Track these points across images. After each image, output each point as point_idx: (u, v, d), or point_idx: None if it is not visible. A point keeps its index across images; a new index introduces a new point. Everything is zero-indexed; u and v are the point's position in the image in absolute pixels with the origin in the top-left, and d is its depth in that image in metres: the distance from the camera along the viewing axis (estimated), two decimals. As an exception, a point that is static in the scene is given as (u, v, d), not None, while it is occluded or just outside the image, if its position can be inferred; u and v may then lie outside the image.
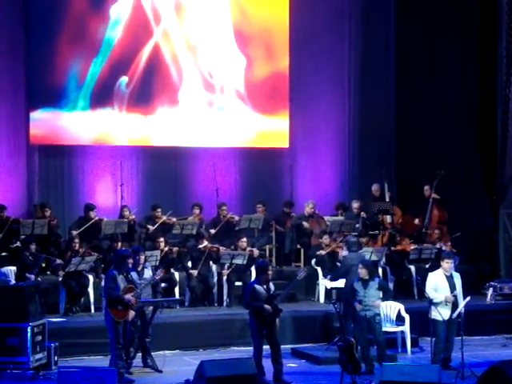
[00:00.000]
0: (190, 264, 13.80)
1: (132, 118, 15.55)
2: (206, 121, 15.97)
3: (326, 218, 15.37)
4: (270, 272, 10.76)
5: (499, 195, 15.23)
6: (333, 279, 12.84)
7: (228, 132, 16.10)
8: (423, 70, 16.26)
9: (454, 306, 11.06)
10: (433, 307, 11.00)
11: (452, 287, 11.12)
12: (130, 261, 10.63)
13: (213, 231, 14.44)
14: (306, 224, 15.02)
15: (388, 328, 12.31)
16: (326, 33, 16.39)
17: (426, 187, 15.42)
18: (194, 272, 13.35)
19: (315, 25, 16.27)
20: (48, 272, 13.39)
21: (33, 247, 13.03)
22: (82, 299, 13.03)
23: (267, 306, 10.48)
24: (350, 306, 11.37)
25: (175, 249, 13.70)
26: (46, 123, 15.07)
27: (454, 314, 10.98)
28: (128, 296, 10.35)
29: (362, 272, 11.18)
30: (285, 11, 16.23)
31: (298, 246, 15.02)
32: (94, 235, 13.93)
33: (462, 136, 16.36)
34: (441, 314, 11.00)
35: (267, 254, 14.95)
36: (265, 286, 10.68)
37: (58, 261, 13.11)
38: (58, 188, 15.25)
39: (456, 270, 11.70)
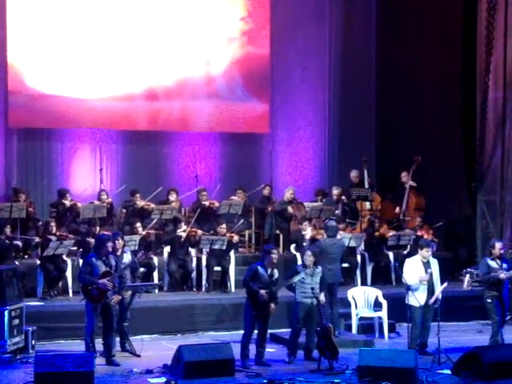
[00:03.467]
0: (168, 249, 13.79)
1: (112, 102, 15.47)
2: (186, 105, 15.91)
3: (306, 203, 15.40)
4: (274, 255, 10.65)
5: (478, 182, 15.30)
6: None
7: (208, 117, 16.06)
8: (405, 57, 16.28)
9: (431, 291, 11.13)
10: (410, 293, 11.07)
11: (427, 269, 11.17)
12: (110, 245, 10.58)
13: (206, 203, 14.34)
14: (290, 209, 15.03)
15: (366, 313, 12.39)
16: (308, 17, 16.36)
17: (404, 173, 15.49)
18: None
19: (296, 10, 16.24)
20: (26, 256, 13.34)
21: (8, 230, 12.94)
22: (60, 283, 12.99)
23: (262, 292, 10.48)
24: (327, 291, 11.34)
25: (152, 232, 13.69)
26: (25, 106, 14.96)
27: (431, 300, 11.05)
28: (102, 280, 10.32)
29: (310, 260, 10.99)
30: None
31: (277, 232, 15.04)
32: (72, 219, 13.88)
33: (443, 123, 16.41)
34: (417, 299, 11.08)
35: (246, 239, 14.97)
36: (269, 271, 10.66)
37: (36, 239, 13.06)
38: (36, 171, 15.18)
39: (433, 257, 11.77)
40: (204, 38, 16.02)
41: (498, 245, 11.65)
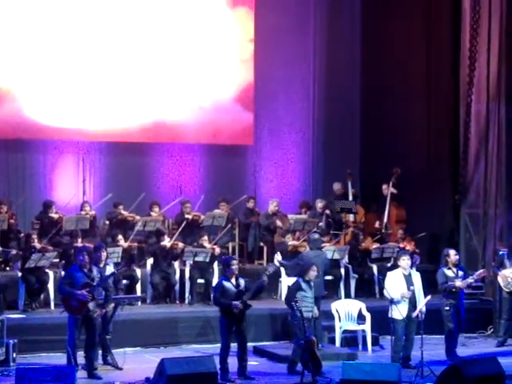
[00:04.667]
0: (151, 261, 13.73)
1: (94, 113, 15.42)
2: (169, 116, 15.88)
3: (290, 216, 15.39)
4: (234, 267, 10.72)
5: (461, 195, 15.35)
6: (283, 264, 12.78)
7: (192, 128, 16.03)
8: (390, 68, 16.33)
9: (413, 304, 11.14)
10: (393, 306, 11.07)
11: (410, 285, 11.19)
12: (87, 257, 10.50)
13: (189, 216, 14.35)
14: (278, 222, 14.99)
15: (349, 326, 12.37)
16: (292, 28, 16.38)
17: (384, 186, 15.53)
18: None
19: (280, 20, 16.26)
20: (7, 268, 13.23)
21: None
22: (42, 295, 12.90)
23: (236, 302, 10.47)
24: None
25: (135, 244, 13.63)
26: (6, 116, 14.88)
27: (414, 313, 11.05)
28: (81, 291, 10.25)
29: (313, 274, 11.06)
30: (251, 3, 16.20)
31: (261, 244, 15.02)
32: (54, 231, 13.79)
33: (427, 136, 16.47)
34: (401, 312, 11.08)
35: (230, 252, 14.93)
36: (234, 282, 10.65)
37: (13, 251, 12.96)
38: (18, 183, 15.07)
39: (417, 270, 11.78)
40: (189, 50, 16.00)
41: (453, 252, 11.82)
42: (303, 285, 11.03)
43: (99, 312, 10.45)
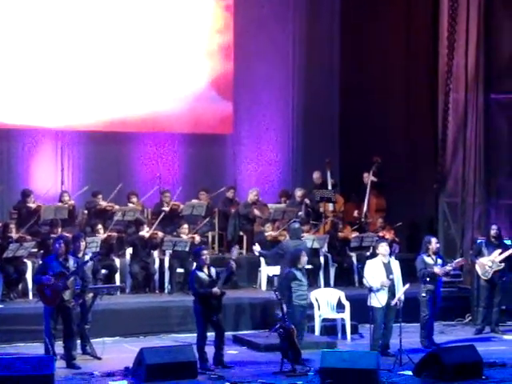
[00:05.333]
0: (130, 251, 13.68)
1: (73, 102, 15.32)
2: (148, 106, 15.80)
3: (270, 205, 15.39)
4: (204, 257, 10.73)
5: (440, 184, 15.41)
6: (262, 254, 12.80)
7: (171, 117, 15.96)
8: (369, 58, 16.38)
9: (392, 292, 11.19)
10: (372, 294, 11.11)
11: (389, 274, 11.25)
12: (63, 246, 10.45)
13: (166, 209, 14.28)
14: (256, 212, 15.00)
15: (328, 315, 12.40)
16: (271, 19, 16.35)
17: (366, 174, 15.60)
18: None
19: (259, 12, 16.23)
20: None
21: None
22: (20, 285, 12.83)
23: (215, 289, 10.50)
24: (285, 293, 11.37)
25: (114, 234, 13.58)
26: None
27: (393, 302, 11.11)
28: (46, 276, 10.19)
29: (304, 260, 11.16)
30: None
31: (241, 233, 15.01)
32: (33, 221, 13.70)
33: (406, 125, 16.53)
34: (379, 300, 11.13)
35: (210, 241, 14.92)
36: (206, 272, 10.66)
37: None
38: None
39: (396, 258, 11.84)
40: (167, 40, 15.91)
41: (434, 240, 11.94)
42: (297, 274, 11.12)
43: (75, 302, 10.40)
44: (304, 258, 11.21)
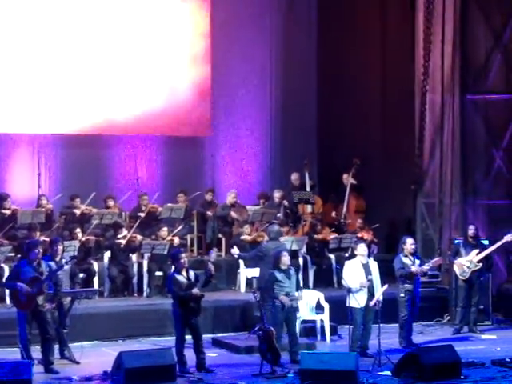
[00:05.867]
0: (109, 254, 13.63)
1: (50, 106, 15.24)
2: (125, 109, 15.75)
3: (248, 207, 15.39)
4: (182, 260, 10.70)
5: (417, 185, 15.48)
6: (241, 256, 12.80)
7: (149, 120, 15.93)
8: (346, 59, 16.42)
9: (371, 293, 11.23)
10: (350, 295, 11.14)
11: (368, 274, 11.29)
12: (39, 251, 10.39)
13: (142, 214, 14.25)
14: (233, 214, 15.00)
15: (307, 316, 12.42)
16: (249, 22, 16.37)
17: (345, 176, 15.65)
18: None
19: (237, 14, 16.24)
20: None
21: None
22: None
23: (195, 290, 10.48)
24: (268, 295, 11.39)
25: (92, 238, 13.52)
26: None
27: (372, 302, 11.14)
28: (20, 283, 10.11)
29: (286, 260, 11.16)
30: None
31: (220, 236, 15.00)
32: (11, 225, 13.62)
33: (383, 126, 16.60)
34: (358, 301, 11.15)
35: (188, 244, 14.90)
36: (185, 275, 10.64)
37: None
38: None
39: (374, 259, 11.87)
40: (145, 43, 15.87)
41: (410, 241, 11.96)
42: (278, 275, 11.06)
43: (49, 306, 10.34)
44: (284, 258, 11.18)
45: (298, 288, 11.25)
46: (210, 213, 15.02)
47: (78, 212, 14.13)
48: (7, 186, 14.89)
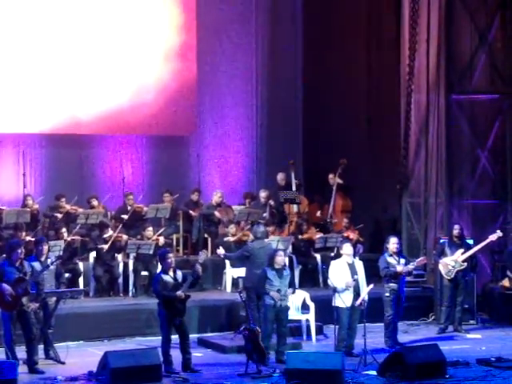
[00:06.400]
0: (94, 254, 13.60)
1: (35, 106, 15.17)
2: (110, 108, 15.70)
3: (234, 207, 15.39)
4: (169, 260, 10.68)
5: (403, 184, 15.52)
6: (227, 257, 12.80)
7: (134, 119, 15.88)
8: (332, 60, 16.44)
9: (357, 293, 11.25)
10: (336, 295, 11.15)
11: (353, 274, 11.30)
12: (21, 251, 10.35)
13: (125, 217, 14.21)
14: (217, 213, 14.99)
15: (293, 316, 12.42)
16: (234, 20, 16.36)
17: (331, 175, 15.68)
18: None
19: (222, 13, 16.23)
20: None
21: None
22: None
23: (179, 292, 10.44)
24: (255, 295, 11.39)
25: (77, 238, 13.48)
26: None
27: (357, 302, 11.16)
28: (4, 284, 10.08)
29: (280, 260, 11.14)
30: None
31: (206, 235, 14.99)
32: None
33: (369, 126, 16.63)
34: (344, 301, 11.17)
35: (174, 243, 14.88)
36: (171, 275, 10.62)
37: None
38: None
39: (360, 259, 11.89)
40: (128, 40, 15.82)
41: (393, 240, 11.98)
42: (270, 273, 11.03)
43: (33, 306, 10.31)
44: (279, 258, 11.15)
45: (292, 290, 11.24)
46: (195, 213, 15.00)
47: (59, 216, 14.04)
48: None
